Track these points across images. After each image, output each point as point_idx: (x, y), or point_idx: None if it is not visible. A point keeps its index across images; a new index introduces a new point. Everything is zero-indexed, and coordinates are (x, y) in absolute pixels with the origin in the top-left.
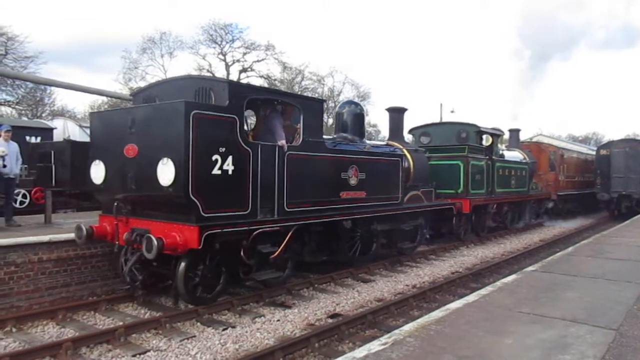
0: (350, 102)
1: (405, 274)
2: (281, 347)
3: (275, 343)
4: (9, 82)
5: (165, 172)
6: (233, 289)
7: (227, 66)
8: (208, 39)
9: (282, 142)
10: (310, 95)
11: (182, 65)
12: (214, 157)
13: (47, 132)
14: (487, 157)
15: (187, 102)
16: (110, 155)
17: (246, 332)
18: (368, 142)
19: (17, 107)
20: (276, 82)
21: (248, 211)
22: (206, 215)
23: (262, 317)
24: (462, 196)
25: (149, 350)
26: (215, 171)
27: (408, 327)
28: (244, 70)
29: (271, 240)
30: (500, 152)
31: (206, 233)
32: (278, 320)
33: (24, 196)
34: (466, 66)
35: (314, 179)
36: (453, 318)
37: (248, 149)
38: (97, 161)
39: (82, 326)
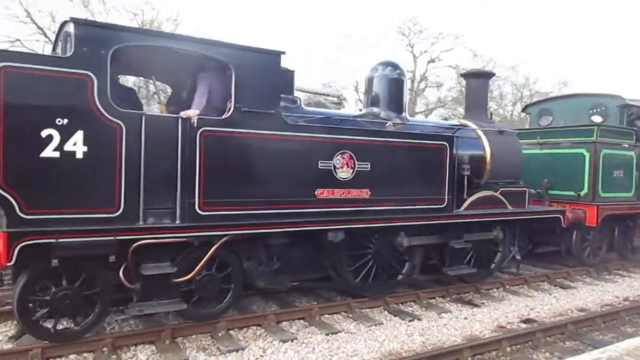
0: (385, 64)
1: (615, 284)
2: (470, 346)
3: (463, 341)
4: None
5: None
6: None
7: (415, 57)
8: (397, 32)
9: (189, 112)
10: (507, 86)
11: (372, 59)
12: (44, 133)
13: None
14: None
15: None
16: None
17: (432, 326)
18: (416, 119)
19: None
20: (464, 71)
21: (118, 213)
22: (28, 217)
23: (449, 313)
24: (586, 201)
25: (340, 332)
26: (48, 153)
27: (625, 344)
28: (432, 60)
29: (174, 256)
30: None
31: (23, 244)
32: (465, 319)
33: None
34: None
35: (258, 169)
36: None
37: (117, 122)
38: None
39: (283, 302)
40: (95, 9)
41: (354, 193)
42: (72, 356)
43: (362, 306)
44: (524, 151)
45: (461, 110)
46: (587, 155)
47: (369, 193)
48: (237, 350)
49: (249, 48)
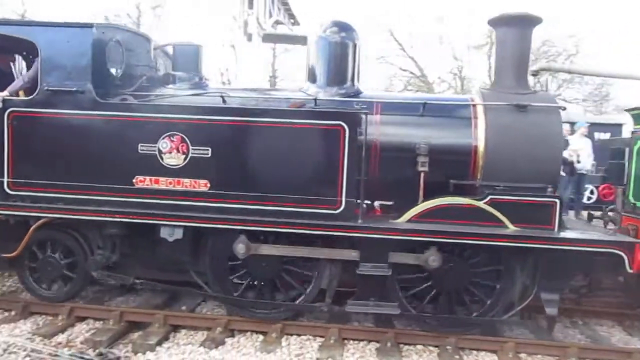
0: (331, 24)
1: None
2: None
3: None
4: (577, 79)
5: None
6: None
7: None
8: None
9: None
10: None
11: None
12: None
13: (616, 127)
14: None
15: None
16: None
17: None
18: (378, 94)
19: (582, 103)
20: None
21: None
22: None
23: None
24: None
25: None
26: None
27: None
28: None
29: None
30: None
31: None
32: None
33: (592, 192)
34: None
35: (68, 152)
36: None
37: None
38: None
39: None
40: None
41: (187, 184)
42: (419, 346)
43: None
44: None
45: None
46: None
47: (208, 185)
48: None
49: (51, 24)
